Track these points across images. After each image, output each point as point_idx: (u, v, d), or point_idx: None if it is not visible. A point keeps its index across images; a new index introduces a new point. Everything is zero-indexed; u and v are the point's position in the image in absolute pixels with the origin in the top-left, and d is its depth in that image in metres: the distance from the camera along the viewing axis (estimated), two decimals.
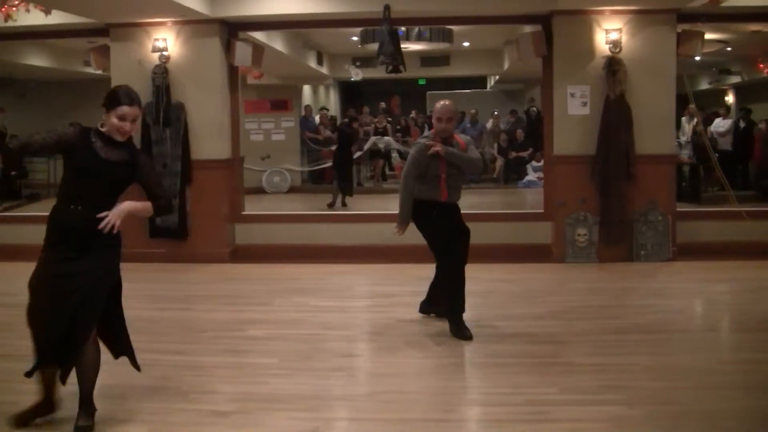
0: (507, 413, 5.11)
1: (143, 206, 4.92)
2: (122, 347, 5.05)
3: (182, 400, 5.42)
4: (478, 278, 9.31)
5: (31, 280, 4.76)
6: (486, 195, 17.62)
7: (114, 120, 4.70)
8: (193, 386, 5.66)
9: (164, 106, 10.50)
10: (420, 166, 7.03)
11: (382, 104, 23.17)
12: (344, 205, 15.86)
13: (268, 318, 7.71)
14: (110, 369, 5.97)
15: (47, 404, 4.95)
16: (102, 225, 4.62)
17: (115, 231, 4.67)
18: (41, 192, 18.49)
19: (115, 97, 4.74)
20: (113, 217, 4.66)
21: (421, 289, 8.80)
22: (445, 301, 7.29)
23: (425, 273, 9.51)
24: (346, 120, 19.20)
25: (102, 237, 4.67)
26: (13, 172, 17.58)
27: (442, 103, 7.21)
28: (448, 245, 7.24)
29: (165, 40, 10.70)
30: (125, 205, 4.76)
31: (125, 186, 4.89)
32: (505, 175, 20.46)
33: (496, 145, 20.94)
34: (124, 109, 4.70)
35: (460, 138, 7.30)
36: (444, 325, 7.16)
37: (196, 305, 8.43)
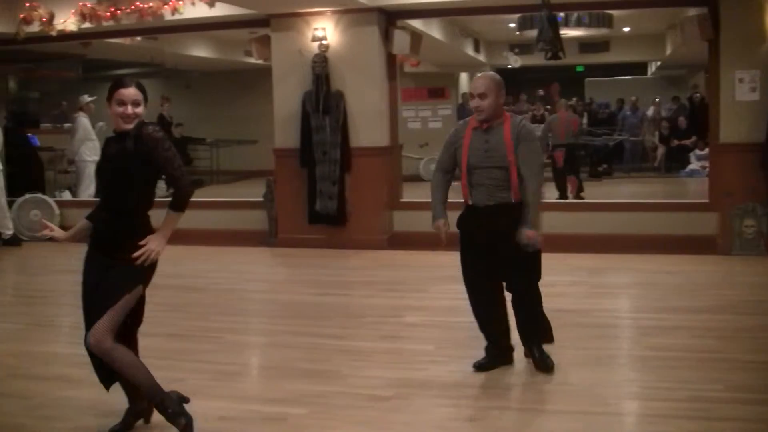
0: (668, 408, 4.97)
1: (168, 226, 4.64)
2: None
3: (341, 384, 5.50)
4: (638, 269, 9.17)
5: None
6: (646, 184, 17.25)
7: (115, 107, 4.46)
8: (352, 370, 5.74)
9: (324, 95, 10.67)
10: (448, 154, 5.89)
11: (540, 91, 22.91)
12: None
13: (424, 305, 7.74)
14: (268, 351, 6.14)
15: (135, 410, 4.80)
16: (139, 255, 4.46)
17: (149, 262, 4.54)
18: (204, 178, 19.07)
19: (113, 84, 4.52)
20: (151, 252, 4.53)
21: (581, 279, 8.72)
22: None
23: (584, 263, 9.43)
24: None
25: (130, 247, 4.49)
26: None
27: (477, 75, 6.03)
28: (466, 272, 5.93)
29: (324, 30, 10.86)
30: (160, 236, 4.61)
31: (145, 181, 4.59)
32: (667, 164, 19.92)
33: (657, 133, 20.42)
34: (122, 92, 4.45)
35: (510, 118, 5.72)
36: (606, 317, 7.04)
37: (355, 291, 8.56)
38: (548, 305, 7.55)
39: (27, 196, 12.79)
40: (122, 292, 4.43)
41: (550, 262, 9.59)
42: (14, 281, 10.67)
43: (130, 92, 4.45)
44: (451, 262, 9.76)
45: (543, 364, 5.67)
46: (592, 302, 7.82)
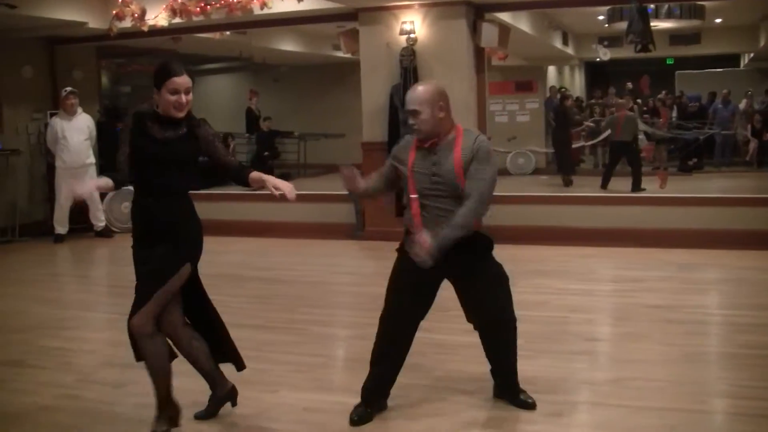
0: (762, 408, 4.86)
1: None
2: (223, 352, 4.86)
3: (425, 377, 5.50)
4: (729, 265, 9.00)
5: None
6: (737, 179, 16.85)
7: (167, 96, 4.38)
8: (436, 363, 5.75)
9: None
10: (387, 168, 4.93)
11: (629, 84, 22.60)
12: (566, 184, 15.98)
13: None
14: (353, 343, 6.17)
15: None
16: (291, 196, 4.48)
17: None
18: (292, 171, 19.23)
19: (164, 71, 4.41)
20: (285, 187, 4.50)
21: (670, 275, 8.59)
22: None
23: (674, 258, 9.29)
24: (558, 97, 18.88)
25: (181, 228, 4.54)
26: (266, 153, 18.33)
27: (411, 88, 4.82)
28: (393, 309, 4.87)
29: (412, 23, 10.87)
30: (268, 177, 4.58)
31: (193, 165, 4.62)
32: (759, 158, 19.44)
33: (749, 127, 19.97)
34: (176, 81, 4.37)
35: (463, 134, 4.74)
36: (696, 313, 6.93)
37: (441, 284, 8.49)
38: (636, 300, 7.52)
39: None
40: (168, 275, 4.45)
41: (638, 256, 9.58)
42: (107, 272, 10.93)
43: (184, 80, 4.41)
44: (537, 256, 9.78)
45: (527, 405, 4.95)
46: (682, 298, 7.68)
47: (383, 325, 4.84)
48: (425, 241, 4.45)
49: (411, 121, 4.63)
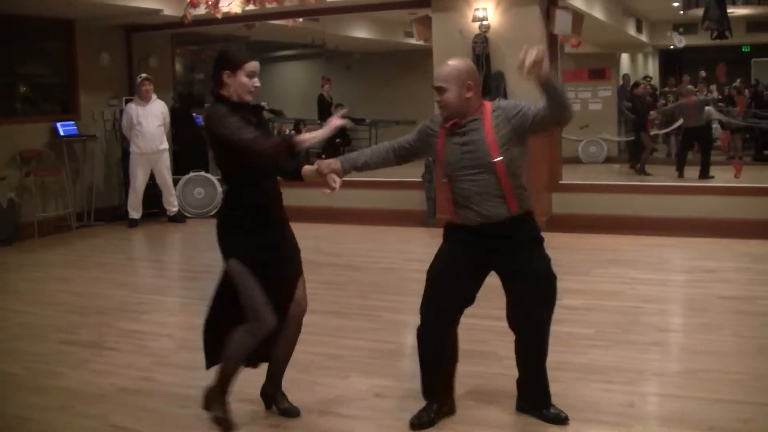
0: None
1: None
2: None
3: (498, 365, 5.49)
4: None
5: None
6: None
7: (244, 79, 4.31)
8: (508, 352, 5.68)
9: (484, 75, 10.60)
10: (416, 141, 4.67)
11: (702, 72, 22.23)
12: (639, 173, 16.01)
13: (585, 288, 7.64)
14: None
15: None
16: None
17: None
18: None
19: (239, 55, 4.34)
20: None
21: (745, 266, 8.45)
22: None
23: (749, 249, 9.15)
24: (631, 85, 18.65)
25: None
26: (337, 139, 18.41)
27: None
28: (435, 296, 4.53)
29: (485, 10, 10.81)
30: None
31: None
32: None
33: None
34: (253, 64, 4.34)
35: (488, 108, 4.41)
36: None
37: None
38: (710, 291, 7.43)
39: (191, 174, 13.21)
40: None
41: (713, 246, 9.45)
42: (180, 257, 11.08)
43: (257, 65, 4.38)
44: (612, 245, 9.70)
45: (559, 419, 4.60)
46: (757, 289, 7.56)
47: (424, 316, 4.53)
48: (538, 53, 4.03)
49: (436, 98, 4.39)
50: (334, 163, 4.55)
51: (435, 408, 4.61)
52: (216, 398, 4.54)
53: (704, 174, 14.67)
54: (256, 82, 4.38)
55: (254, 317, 4.34)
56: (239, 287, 4.35)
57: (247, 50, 4.43)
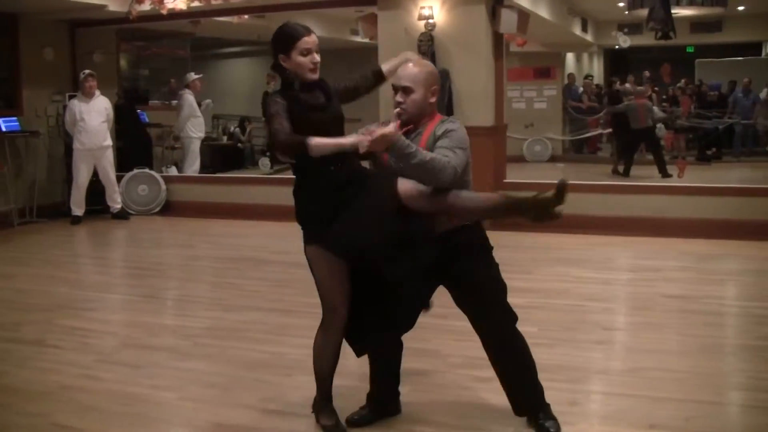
0: None
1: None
2: None
3: (442, 363, 5.50)
4: (749, 256, 8.96)
5: None
6: (758, 169, 16.67)
7: (300, 58, 4.13)
8: (453, 350, 5.74)
9: None
10: None
11: (646, 73, 22.44)
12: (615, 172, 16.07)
13: (530, 286, 7.66)
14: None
15: None
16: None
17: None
18: None
19: (291, 33, 4.17)
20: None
21: (689, 265, 8.55)
22: None
23: (693, 248, 9.26)
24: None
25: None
26: None
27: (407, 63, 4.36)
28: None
29: (431, 8, 10.81)
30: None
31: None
32: None
33: None
34: (306, 40, 4.14)
35: (437, 122, 4.31)
36: (715, 304, 6.91)
37: None
38: (654, 290, 7.50)
39: (135, 171, 13.11)
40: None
41: (657, 246, 9.54)
42: (124, 254, 10.95)
43: (314, 39, 4.18)
44: (557, 243, 9.75)
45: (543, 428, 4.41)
46: (701, 288, 7.63)
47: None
48: (388, 133, 3.83)
49: (399, 99, 4.18)
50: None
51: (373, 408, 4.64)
52: (319, 407, 4.51)
53: (663, 173, 14.79)
54: (315, 57, 4.18)
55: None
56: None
57: (299, 26, 4.22)
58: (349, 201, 4.06)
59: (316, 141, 3.93)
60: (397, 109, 4.21)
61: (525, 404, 4.48)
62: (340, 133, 4.20)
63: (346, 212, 4.04)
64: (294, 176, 4.25)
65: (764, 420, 4.62)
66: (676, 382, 5.17)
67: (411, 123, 4.22)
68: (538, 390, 4.48)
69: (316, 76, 4.20)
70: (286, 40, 4.15)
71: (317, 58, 4.17)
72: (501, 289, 4.40)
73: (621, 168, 15.78)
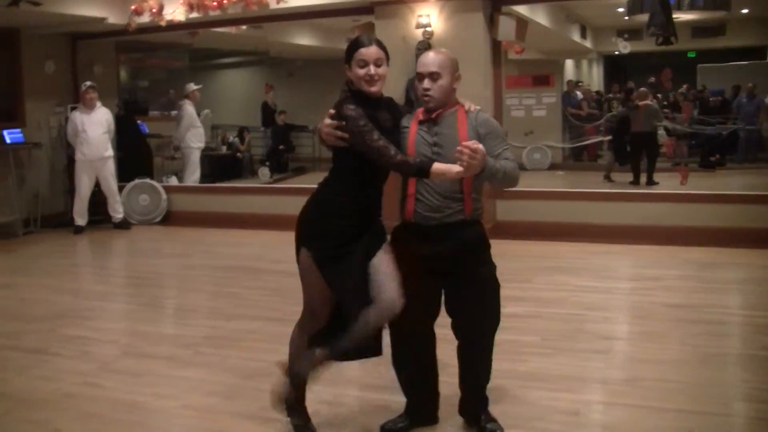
0: None
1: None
2: None
3: (443, 374, 5.46)
4: (751, 264, 8.92)
5: None
6: (762, 175, 16.52)
7: (357, 70, 4.09)
8: (453, 360, 5.70)
9: None
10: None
11: (652, 78, 22.39)
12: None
13: (528, 296, 7.66)
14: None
15: None
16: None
17: None
18: (307, 166, 19.32)
19: (352, 44, 4.14)
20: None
21: (690, 274, 8.52)
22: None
23: (694, 257, 9.23)
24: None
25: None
26: (281, 146, 18.44)
27: (427, 52, 4.36)
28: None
29: (428, 17, 10.82)
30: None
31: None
32: None
33: None
34: (362, 52, 4.06)
35: (463, 109, 4.32)
36: (716, 313, 6.91)
37: None
38: (654, 299, 7.48)
39: (136, 181, 13.19)
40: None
41: (657, 254, 9.52)
42: (125, 263, 10.98)
43: (372, 51, 4.08)
44: (556, 252, 9.74)
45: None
46: (701, 297, 7.60)
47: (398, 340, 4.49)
48: (473, 146, 3.87)
49: (426, 86, 4.17)
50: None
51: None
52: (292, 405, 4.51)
53: (650, 180, 14.81)
54: (371, 69, 4.08)
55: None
56: None
57: (365, 37, 4.19)
58: (356, 239, 4.16)
59: (438, 168, 3.94)
60: (425, 96, 4.20)
61: (477, 406, 4.56)
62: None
63: (349, 255, 4.13)
64: (327, 178, 4.35)
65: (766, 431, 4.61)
66: (677, 393, 5.15)
67: (437, 110, 4.24)
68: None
69: (374, 89, 4.13)
70: (348, 50, 4.15)
71: (372, 70, 4.09)
72: (497, 289, 4.44)
73: (611, 175, 15.88)
